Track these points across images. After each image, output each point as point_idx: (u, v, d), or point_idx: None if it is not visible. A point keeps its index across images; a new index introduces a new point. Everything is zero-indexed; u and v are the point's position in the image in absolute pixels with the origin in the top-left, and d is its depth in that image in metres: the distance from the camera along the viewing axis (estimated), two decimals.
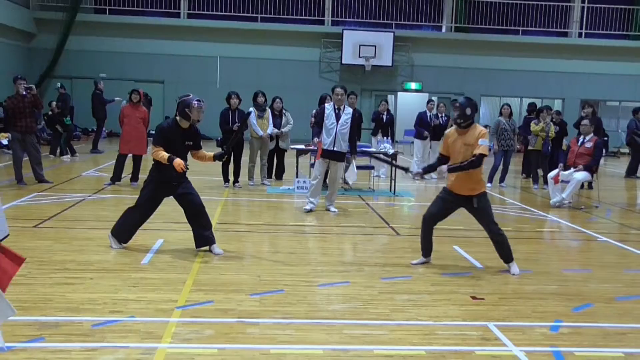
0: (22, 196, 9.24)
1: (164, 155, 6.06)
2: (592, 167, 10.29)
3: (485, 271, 6.07)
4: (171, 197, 6.37)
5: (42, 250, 6.16)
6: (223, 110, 11.09)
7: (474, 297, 5.21)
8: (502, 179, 12.83)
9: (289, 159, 12.67)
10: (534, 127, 12.55)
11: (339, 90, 8.85)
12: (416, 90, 24.85)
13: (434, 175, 13.20)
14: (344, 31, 24.13)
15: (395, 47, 24.21)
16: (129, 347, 3.92)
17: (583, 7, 25.91)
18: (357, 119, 9.68)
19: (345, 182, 11.40)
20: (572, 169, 10.21)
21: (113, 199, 9.63)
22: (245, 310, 4.69)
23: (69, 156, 15.37)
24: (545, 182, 11.86)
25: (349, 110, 8.94)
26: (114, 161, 11.10)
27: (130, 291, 5.04)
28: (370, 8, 25.48)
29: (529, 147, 12.80)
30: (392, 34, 24.34)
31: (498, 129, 12.62)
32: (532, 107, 14.77)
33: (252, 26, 24.30)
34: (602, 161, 11.69)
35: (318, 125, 8.87)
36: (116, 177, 10.93)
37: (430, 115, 13.57)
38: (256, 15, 24.83)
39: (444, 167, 6.04)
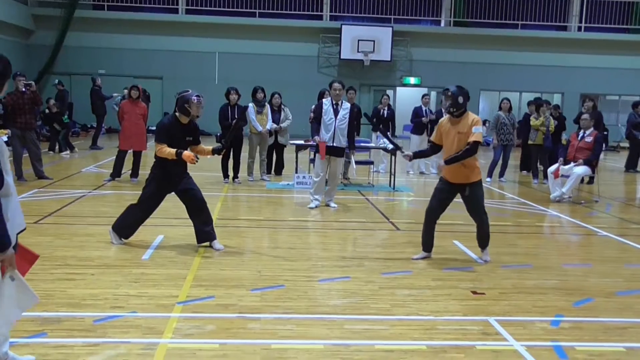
0: (22, 192, 9.23)
1: (170, 150, 6.06)
2: (592, 162, 10.29)
3: (486, 266, 6.07)
4: (172, 193, 6.38)
5: (43, 246, 6.16)
6: (222, 106, 11.09)
7: (474, 292, 5.21)
8: (501, 174, 12.83)
9: (288, 155, 12.66)
10: (533, 121, 12.54)
11: (336, 85, 8.83)
12: (415, 85, 24.84)
13: (433, 170, 13.33)
14: (343, 26, 24.11)
15: (393, 41, 24.18)
16: (131, 342, 3.92)
17: (582, 1, 25.86)
18: (355, 114, 9.67)
19: (345, 178, 11.40)
20: (572, 164, 10.22)
21: (113, 195, 9.63)
22: (246, 305, 4.69)
23: (68, 152, 15.36)
24: (545, 176, 11.86)
25: (347, 105, 8.93)
26: (114, 157, 11.10)
27: (131, 287, 5.04)
28: (368, 3, 25.44)
29: (529, 142, 12.77)
30: (390, 28, 24.30)
31: (497, 123, 12.61)
32: (539, 103, 14.33)
33: (251, 22, 24.27)
34: (601, 155, 11.68)
35: (317, 121, 8.87)
36: (116, 173, 10.93)
37: (425, 110, 13.55)
38: (254, 10, 24.79)
39: (442, 163, 6.04)
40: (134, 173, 10.90)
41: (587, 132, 10.28)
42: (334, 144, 8.77)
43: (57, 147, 15.49)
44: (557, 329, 4.44)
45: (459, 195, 6.09)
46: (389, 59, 24.29)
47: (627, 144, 18.01)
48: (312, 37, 24.37)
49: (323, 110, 8.78)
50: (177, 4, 24.74)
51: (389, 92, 24.05)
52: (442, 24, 25.98)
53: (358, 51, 23.88)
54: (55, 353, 3.74)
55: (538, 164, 12.85)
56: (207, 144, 6.60)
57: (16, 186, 3.30)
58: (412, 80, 25.08)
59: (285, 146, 12.43)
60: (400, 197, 10.52)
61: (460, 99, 5.86)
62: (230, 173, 11.34)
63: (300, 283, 5.31)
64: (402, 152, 6.36)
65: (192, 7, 24.79)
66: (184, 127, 6.25)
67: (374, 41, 23.90)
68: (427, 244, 6.24)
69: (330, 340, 4.08)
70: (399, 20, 25.35)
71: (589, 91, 23.05)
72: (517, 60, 25.12)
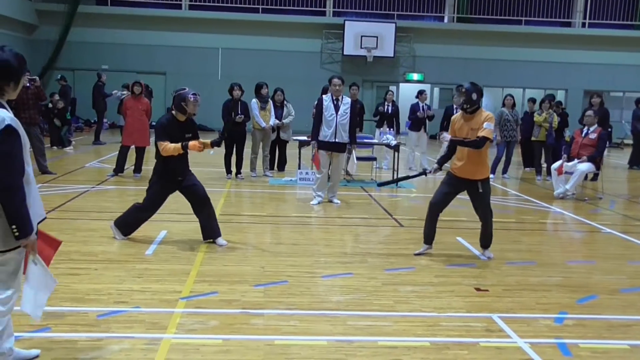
0: None
1: (176, 146, 6.08)
2: (596, 159, 10.25)
3: (489, 263, 6.06)
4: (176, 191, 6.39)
5: None
6: (226, 102, 11.07)
7: (477, 289, 5.21)
8: (504, 170, 12.81)
9: (291, 150, 12.66)
10: (537, 117, 12.50)
11: (336, 80, 8.80)
12: (418, 81, 24.77)
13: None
14: (346, 22, 24.04)
15: (397, 37, 24.13)
16: (134, 337, 3.93)
17: None
18: (358, 110, 9.63)
19: (347, 173, 11.39)
20: (575, 160, 10.19)
21: (116, 190, 9.64)
22: (250, 301, 4.70)
23: (72, 147, 15.38)
24: (549, 173, 11.83)
25: (347, 100, 8.91)
26: (117, 153, 11.11)
27: (134, 282, 5.05)
28: None
29: (533, 138, 12.74)
30: (393, 24, 24.24)
31: (501, 119, 12.58)
32: (550, 98, 14.01)
33: (254, 17, 24.22)
34: (605, 152, 11.64)
35: (317, 117, 8.82)
36: (119, 169, 10.93)
37: (422, 106, 13.53)
38: (257, 6, 24.75)
39: (446, 135, 6.07)
40: (137, 169, 10.90)
41: (591, 128, 10.24)
42: (336, 140, 8.75)
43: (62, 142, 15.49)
44: (560, 326, 4.43)
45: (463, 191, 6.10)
46: (392, 55, 24.23)
47: (630, 141, 17.96)
48: (315, 33, 24.32)
49: (323, 107, 8.75)
50: (181, 0, 24.71)
51: (392, 88, 23.98)
52: (446, 20, 25.90)
53: (361, 47, 23.82)
54: (59, 348, 3.75)
55: (542, 160, 12.82)
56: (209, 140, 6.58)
57: None
58: (415, 76, 25.02)
59: (287, 142, 12.43)
60: (403, 194, 10.50)
61: (474, 96, 5.87)
62: (233, 169, 11.34)
63: (303, 279, 5.32)
64: (429, 172, 6.37)
65: (195, 3, 24.76)
66: (182, 125, 6.27)
67: (377, 37, 23.85)
68: (429, 236, 6.25)
69: (334, 337, 4.08)
70: (402, 16, 25.29)
71: (592, 87, 22.94)
72: (521, 56, 25.05)
